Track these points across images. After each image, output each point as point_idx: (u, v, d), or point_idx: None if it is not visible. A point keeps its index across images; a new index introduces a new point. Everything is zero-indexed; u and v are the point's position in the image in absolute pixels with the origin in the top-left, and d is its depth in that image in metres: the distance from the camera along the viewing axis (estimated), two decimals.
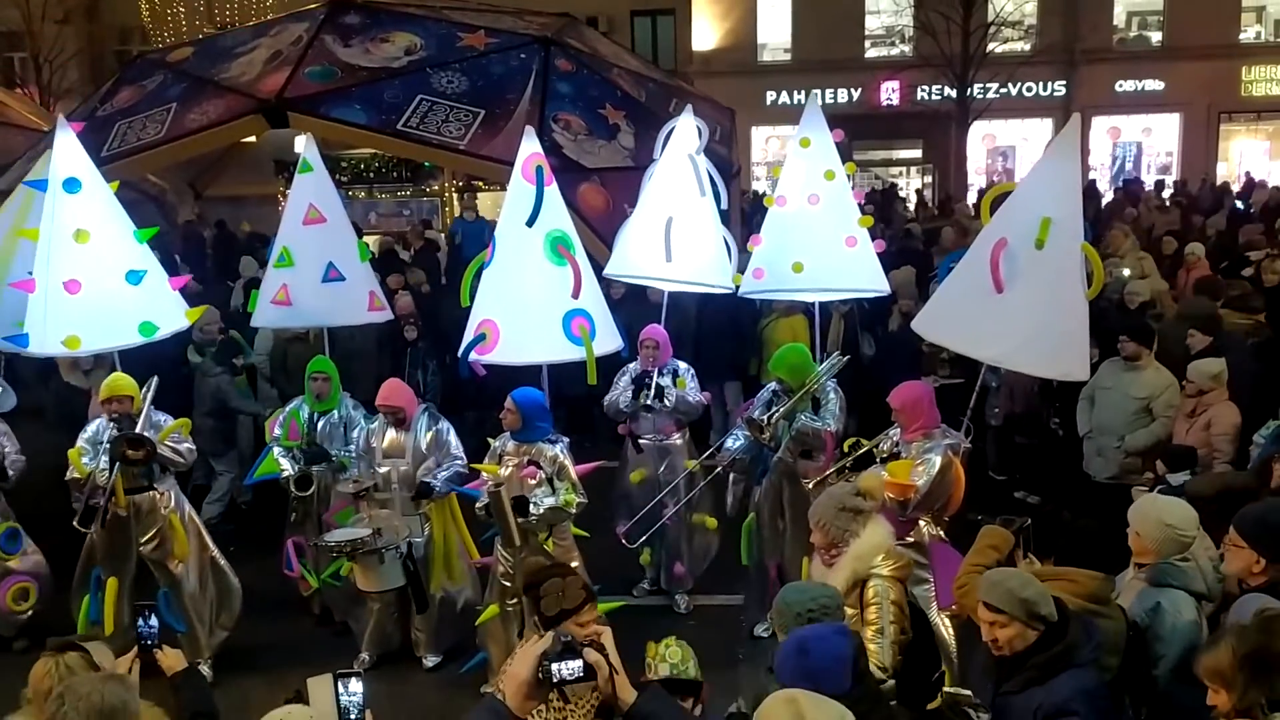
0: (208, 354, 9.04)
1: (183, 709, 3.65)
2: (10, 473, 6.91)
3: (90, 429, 6.53)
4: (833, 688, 3.11)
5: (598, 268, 8.78)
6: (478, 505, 6.21)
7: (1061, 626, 3.55)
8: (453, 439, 6.70)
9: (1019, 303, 5.77)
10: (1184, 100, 24.56)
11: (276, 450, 7.12)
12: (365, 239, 11.89)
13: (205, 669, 6.45)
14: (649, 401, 7.06)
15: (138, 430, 6.22)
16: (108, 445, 6.28)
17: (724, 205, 7.80)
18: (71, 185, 6.36)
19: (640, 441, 7.29)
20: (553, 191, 6.55)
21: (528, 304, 6.44)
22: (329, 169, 8.19)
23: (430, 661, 6.83)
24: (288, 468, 7.02)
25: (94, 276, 6.33)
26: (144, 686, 3.75)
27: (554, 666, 2.61)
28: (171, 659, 3.81)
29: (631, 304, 9.71)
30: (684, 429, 7.45)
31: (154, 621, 3.90)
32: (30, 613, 6.94)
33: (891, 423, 6.03)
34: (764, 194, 9.48)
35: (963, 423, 6.12)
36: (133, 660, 3.78)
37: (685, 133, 7.53)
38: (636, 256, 7.55)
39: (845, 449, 6.29)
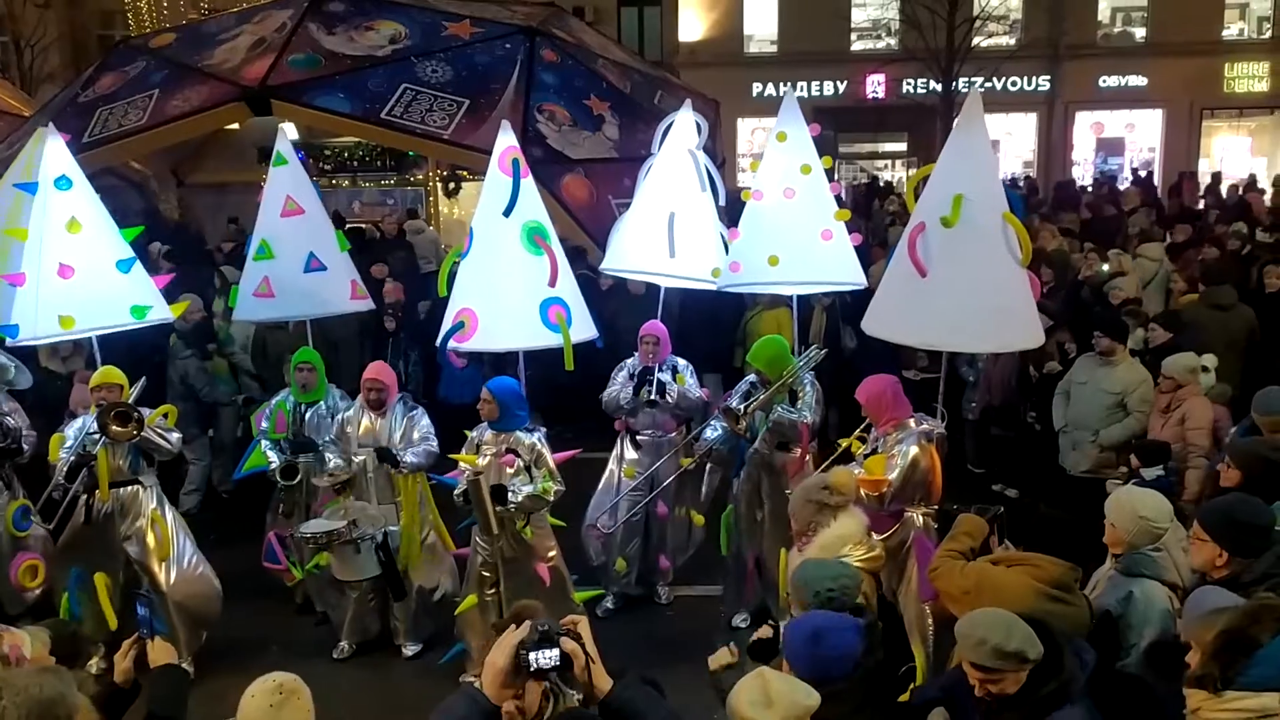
0: (174, 339, 8.96)
1: (148, 704, 3.59)
2: (25, 447, 6.86)
3: (78, 422, 6.50)
4: (838, 676, 3.22)
5: (584, 259, 8.78)
6: (456, 492, 6.24)
7: (1054, 662, 3.44)
8: (425, 423, 6.74)
9: (943, 283, 5.74)
10: (1167, 96, 24.67)
11: (264, 443, 7.14)
12: (348, 227, 11.92)
13: (187, 666, 6.42)
14: (652, 398, 7.06)
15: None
16: (91, 433, 6.27)
17: (722, 201, 7.83)
18: (63, 183, 6.56)
19: (639, 438, 7.28)
20: (529, 183, 6.59)
21: (506, 292, 6.46)
22: (312, 157, 8.20)
23: (409, 650, 6.86)
24: (274, 460, 7.04)
25: (86, 262, 6.48)
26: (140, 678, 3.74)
27: (531, 655, 2.64)
28: (158, 652, 3.74)
29: (619, 297, 9.73)
30: (682, 425, 7.44)
31: (144, 611, 3.89)
32: (39, 591, 6.89)
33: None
34: (744, 189, 9.51)
35: (936, 408, 6.16)
36: (130, 647, 3.75)
37: (684, 128, 7.55)
38: (637, 251, 7.53)
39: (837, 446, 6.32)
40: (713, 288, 7.51)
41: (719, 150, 15.15)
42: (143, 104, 11.87)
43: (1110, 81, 24.80)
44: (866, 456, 5.92)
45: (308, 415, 7.13)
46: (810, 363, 6.68)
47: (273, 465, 7.03)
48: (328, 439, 6.97)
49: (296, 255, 7.51)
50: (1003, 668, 3.39)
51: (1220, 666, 3.12)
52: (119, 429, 6.13)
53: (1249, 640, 3.13)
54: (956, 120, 6.13)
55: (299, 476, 7.02)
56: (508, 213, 6.44)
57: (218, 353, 9.26)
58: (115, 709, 3.71)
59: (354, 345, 9.90)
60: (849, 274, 7.11)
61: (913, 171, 25.63)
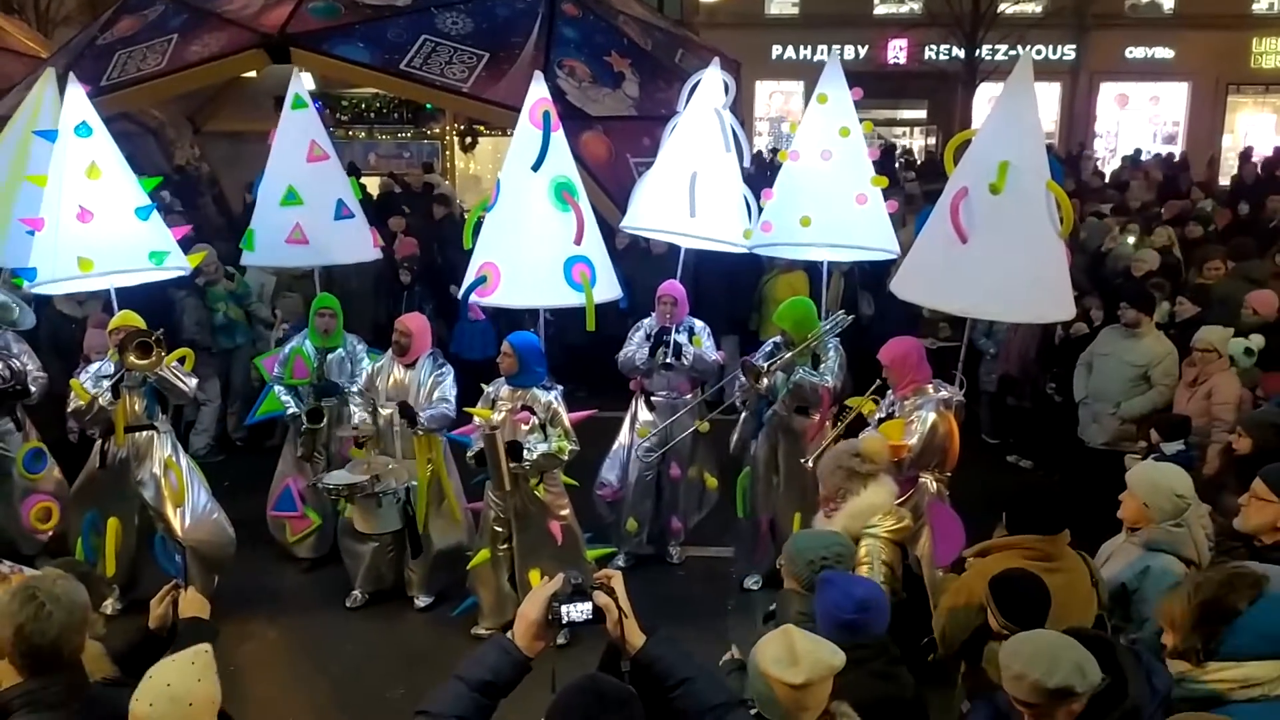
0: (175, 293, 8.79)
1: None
2: (33, 389, 6.86)
3: (93, 367, 6.50)
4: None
5: (598, 216, 8.70)
6: (469, 454, 6.21)
7: (1118, 687, 3.07)
8: (449, 384, 6.69)
9: (983, 250, 5.65)
10: (1193, 70, 24.35)
11: (278, 389, 7.13)
12: (363, 179, 11.87)
13: None
14: (668, 359, 7.00)
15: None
16: (105, 375, 6.26)
17: (746, 163, 7.71)
18: (83, 129, 6.50)
19: (654, 399, 7.22)
20: (559, 137, 6.48)
21: (530, 248, 6.39)
22: (329, 107, 8.12)
23: (422, 602, 6.88)
24: (292, 405, 7.07)
25: (105, 208, 6.44)
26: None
27: (563, 608, 2.62)
28: (189, 603, 3.65)
29: (634, 256, 9.66)
30: (697, 387, 7.37)
31: (180, 559, 3.83)
32: (51, 533, 6.92)
33: (882, 379, 6.02)
34: (775, 149, 9.30)
35: (955, 376, 6.11)
36: (167, 594, 3.73)
37: (711, 86, 7.42)
38: (657, 210, 7.42)
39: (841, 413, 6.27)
40: (732, 250, 7.44)
41: (738, 112, 15.00)
42: (162, 48, 11.74)
43: (1136, 53, 24.47)
44: (881, 420, 5.89)
45: (327, 360, 7.18)
46: (836, 327, 6.63)
47: (290, 409, 7.07)
48: (352, 387, 6.98)
49: (327, 202, 7.48)
50: (1046, 705, 3.00)
51: (1201, 638, 3.10)
52: (139, 359, 6.05)
53: (1228, 609, 3.11)
54: (1005, 85, 6.00)
55: (324, 420, 7.06)
56: (536, 167, 6.35)
57: (236, 303, 9.23)
58: (147, 654, 3.69)
59: (369, 297, 9.87)
60: (882, 240, 7.02)
61: (932, 140, 25.41)
